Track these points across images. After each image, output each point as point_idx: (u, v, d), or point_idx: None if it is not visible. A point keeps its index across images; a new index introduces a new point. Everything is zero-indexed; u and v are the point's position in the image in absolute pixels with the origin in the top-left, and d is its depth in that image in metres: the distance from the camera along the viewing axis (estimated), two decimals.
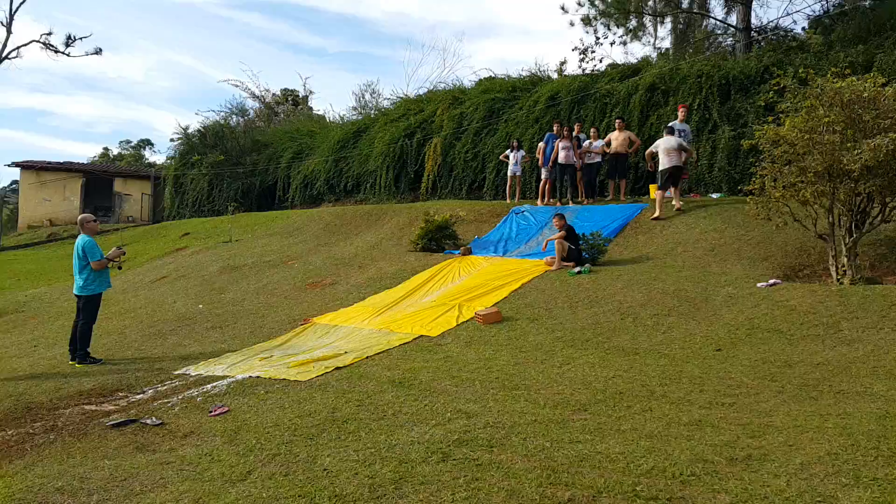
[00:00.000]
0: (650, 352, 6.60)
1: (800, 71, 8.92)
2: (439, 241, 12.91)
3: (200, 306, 11.33)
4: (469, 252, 12.11)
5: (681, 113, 12.93)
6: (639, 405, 5.01)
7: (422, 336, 8.01)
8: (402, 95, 24.72)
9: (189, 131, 30.83)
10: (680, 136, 12.26)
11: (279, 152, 27.51)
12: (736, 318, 7.22)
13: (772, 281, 7.97)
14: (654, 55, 20.22)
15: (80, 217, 8.44)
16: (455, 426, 4.82)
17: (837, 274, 7.90)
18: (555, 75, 19.79)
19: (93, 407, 6.25)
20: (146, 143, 58.62)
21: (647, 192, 13.86)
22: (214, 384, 6.65)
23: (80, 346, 8.11)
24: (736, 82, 14.39)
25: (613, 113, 15.83)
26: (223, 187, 28.33)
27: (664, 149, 11.98)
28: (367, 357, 7.24)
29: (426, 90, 23.69)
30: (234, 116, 31.95)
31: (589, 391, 5.47)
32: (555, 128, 14.61)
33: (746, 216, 10.84)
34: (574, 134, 14.19)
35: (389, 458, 4.30)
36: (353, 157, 23.26)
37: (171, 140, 31.64)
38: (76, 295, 8.26)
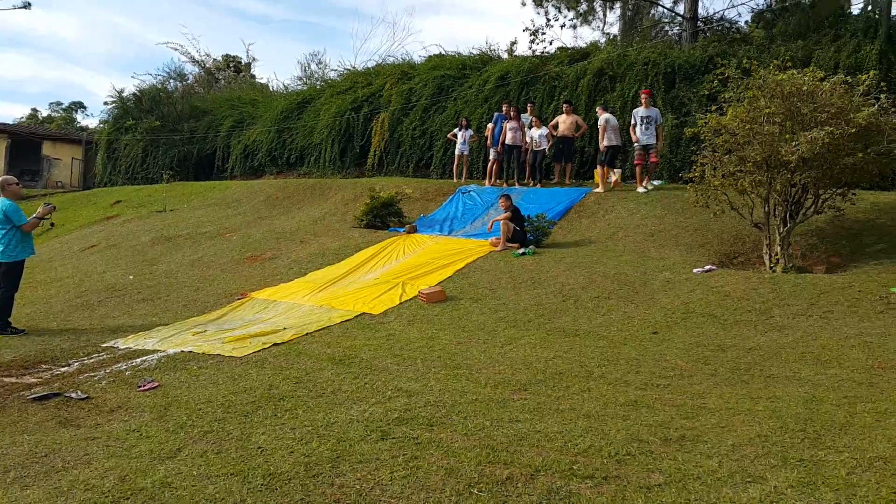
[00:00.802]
0: (590, 333, 6.68)
1: (743, 62, 9.10)
2: (384, 217, 12.77)
3: (131, 277, 10.91)
4: (414, 230, 12.02)
5: (644, 98, 12.68)
6: (577, 385, 5.06)
7: (364, 313, 7.91)
8: (349, 67, 24.27)
9: (124, 95, 29.50)
10: (647, 124, 12.28)
11: (219, 120, 26.60)
12: (672, 302, 7.38)
13: (707, 267, 8.18)
14: (603, 40, 20.39)
15: (1, 179, 7.95)
16: (395, 404, 4.77)
17: (770, 262, 8.15)
18: (505, 55, 19.74)
19: (13, 379, 5.93)
20: (78, 105, 56.10)
21: (592, 177, 14.00)
22: (144, 358, 6.42)
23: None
24: (681, 71, 14.64)
25: (562, 96, 15.88)
26: (158, 154, 27.27)
27: (612, 126, 12.57)
28: (306, 333, 7.10)
29: (375, 63, 23.30)
30: (172, 81, 30.70)
31: (530, 371, 5.49)
32: (504, 108, 14.60)
33: (685, 203, 11.08)
34: (527, 115, 14.24)
35: (327, 436, 4.22)
36: (298, 128, 22.69)
37: (105, 103, 30.22)
38: None
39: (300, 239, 12.58)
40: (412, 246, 11.06)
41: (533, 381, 5.23)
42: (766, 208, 8.32)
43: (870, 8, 15.44)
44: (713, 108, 8.93)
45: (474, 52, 20.13)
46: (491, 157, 14.62)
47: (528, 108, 14.66)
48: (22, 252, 7.78)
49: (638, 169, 12.72)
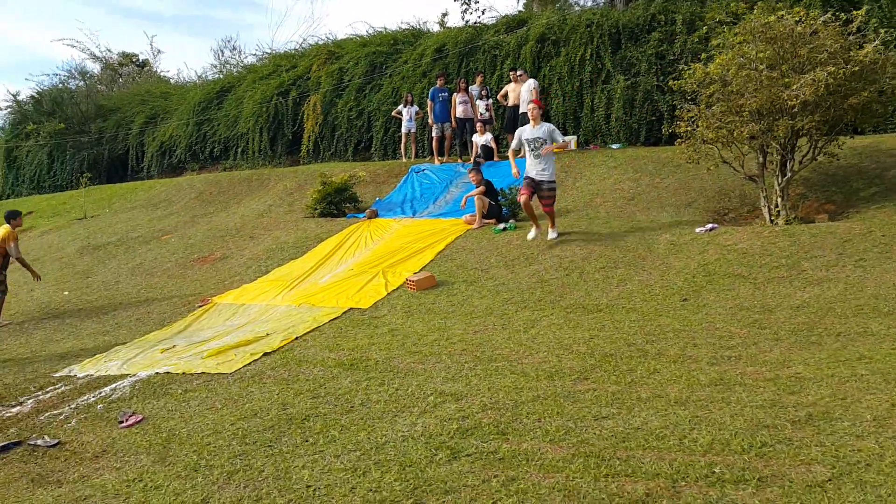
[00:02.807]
0: (613, 307, 6.14)
1: (730, 5, 8.69)
2: (339, 204, 11.87)
3: (66, 293, 9.65)
4: (375, 215, 11.18)
5: (532, 111, 8.52)
6: (641, 367, 4.49)
7: (352, 309, 7.11)
8: (268, 51, 22.88)
9: (20, 98, 27.01)
10: (535, 149, 8.30)
11: (129, 118, 24.63)
12: (687, 265, 6.93)
13: (709, 226, 7.79)
14: (536, 7, 19.87)
15: None
16: (445, 412, 4.06)
17: (771, 215, 7.84)
18: (437, 28, 18.94)
19: None
20: None
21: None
22: (113, 386, 5.43)
23: None
24: (626, 31, 14.26)
25: (505, 65, 15.30)
26: (66, 159, 25.11)
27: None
28: (295, 338, 6.25)
29: (296, 45, 22.02)
30: (73, 80, 28.23)
31: (574, 356, 4.89)
32: (439, 82, 13.74)
33: (657, 164, 10.77)
34: (476, 86, 13.56)
35: (385, 461, 3.49)
36: (219, 119, 21.21)
37: None
38: None
39: (249, 235, 11.52)
40: (378, 232, 10.25)
41: (586, 366, 4.62)
42: (761, 159, 7.99)
43: None
44: (704, 56, 8.28)
45: (403, 26, 19.23)
46: (434, 134, 13.83)
47: (478, 80, 13.96)
48: None
49: (536, 213, 8.49)
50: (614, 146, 13.06)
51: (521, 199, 8.23)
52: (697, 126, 7.99)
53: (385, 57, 17.89)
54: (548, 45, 15.16)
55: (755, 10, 7.85)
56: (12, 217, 8.50)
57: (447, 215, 10.68)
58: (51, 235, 14.53)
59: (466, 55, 16.30)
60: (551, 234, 8.32)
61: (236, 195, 14.90)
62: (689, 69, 8.16)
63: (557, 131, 8.41)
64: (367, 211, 11.30)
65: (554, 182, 8.38)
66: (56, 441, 4.35)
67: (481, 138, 12.94)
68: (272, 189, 14.47)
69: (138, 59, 36.10)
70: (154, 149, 23.05)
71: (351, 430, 3.97)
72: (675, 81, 8.46)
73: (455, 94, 13.31)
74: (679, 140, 8.44)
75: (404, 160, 14.69)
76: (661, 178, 10.16)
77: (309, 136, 18.41)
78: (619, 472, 3.05)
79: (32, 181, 25.59)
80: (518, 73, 13.32)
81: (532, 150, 8.36)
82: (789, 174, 7.74)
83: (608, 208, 9.62)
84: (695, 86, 8.09)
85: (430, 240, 9.31)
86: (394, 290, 7.60)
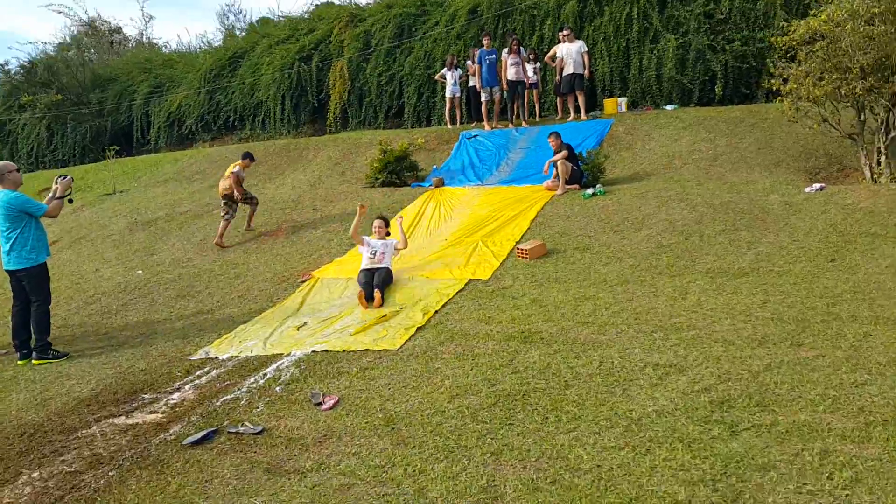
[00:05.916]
0: (759, 270, 6.07)
1: None
2: (399, 173, 11.60)
3: (140, 272, 9.36)
4: (442, 183, 10.96)
5: None
6: (848, 331, 4.44)
7: (471, 280, 6.96)
8: (281, 14, 22.21)
9: (9, 68, 25.93)
10: None
11: (131, 88, 23.74)
12: (813, 226, 6.87)
13: (817, 186, 7.74)
14: None
15: None
16: (679, 385, 3.97)
17: (873, 174, 7.80)
18: None
19: (123, 419, 4.69)
20: None
21: (602, 107, 13.34)
22: (275, 366, 5.28)
23: (37, 335, 6.28)
24: None
25: (545, 25, 14.98)
26: (66, 132, 24.17)
27: None
28: (434, 312, 6.12)
29: (310, 6, 21.36)
30: (71, 49, 27.15)
31: (764, 322, 4.82)
32: (485, 42, 13.44)
33: (729, 123, 10.67)
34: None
35: (659, 438, 3.40)
36: (234, 87, 20.60)
37: None
38: (10, 271, 6.32)
39: (310, 207, 11.25)
40: (453, 201, 10.03)
41: (789, 332, 4.56)
42: (862, 117, 7.92)
43: None
44: (813, 11, 8.05)
45: None
46: (483, 98, 13.53)
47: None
48: (41, 252, 6.32)
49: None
50: (668, 107, 12.91)
51: None
52: (796, 84, 7.86)
53: (413, 19, 17.41)
54: (590, 4, 14.82)
55: None
56: (247, 157, 10.39)
57: (518, 181, 10.51)
58: (86, 212, 14.10)
59: (503, 16, 15.92)
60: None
61: (276, 166, 14.53)
62: (791, 25, 8.00)
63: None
64: (434, 179, 11.07)
65: None
66: (261, 428, 4.19)
67: None
68: (314, 160, 14.13)
69: (115, 29, 34.71)
70: (161, 120, 22.37)
71: (586, 405, 3.88)
72: (778, 38, 8.27)
73: (507, 55, 12.99)
74: (779, 98, 8.32)
75: (450, 126, 14.39)
76: (738, 138, 10.06)
77: (336, 104, 17.98)
78: None
79: (30, 156, 24.67)
80: (565, 31, 13.04)
81: None
82: (894, 132, 7.68)
83: (691, 170, 9.52)
84: (795, 42, 7.95)
85: (517, 207, 9.15)
86: (505, 260, 7.47)
